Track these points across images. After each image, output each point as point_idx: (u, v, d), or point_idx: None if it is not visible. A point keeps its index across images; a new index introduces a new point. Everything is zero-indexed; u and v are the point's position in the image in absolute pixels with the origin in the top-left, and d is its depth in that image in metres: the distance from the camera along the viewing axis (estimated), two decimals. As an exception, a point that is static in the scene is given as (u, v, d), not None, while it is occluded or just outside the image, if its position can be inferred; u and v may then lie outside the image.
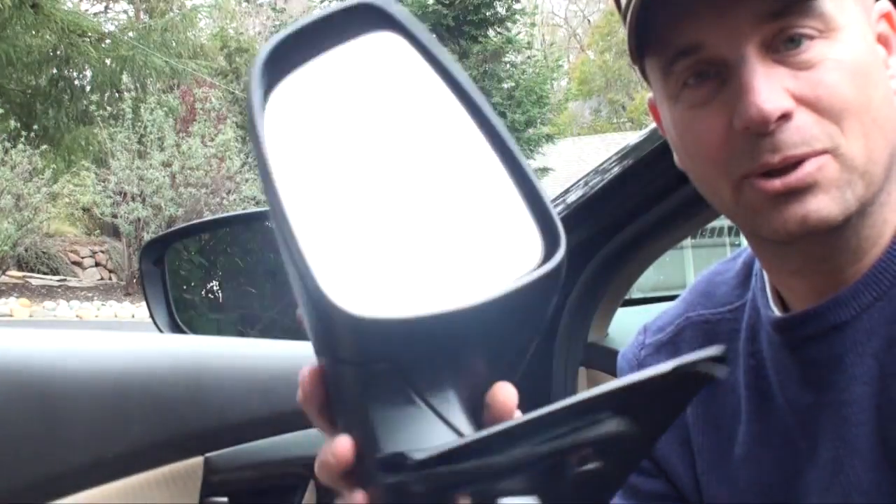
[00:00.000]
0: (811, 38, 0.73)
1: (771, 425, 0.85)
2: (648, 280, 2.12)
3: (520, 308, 0.47)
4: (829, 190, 0.73)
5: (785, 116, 0.72)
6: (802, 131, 0.72)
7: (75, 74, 17.25)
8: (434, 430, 0.48)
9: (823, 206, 0.72)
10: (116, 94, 17.21)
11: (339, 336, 0.48)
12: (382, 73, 0.52)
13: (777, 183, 0.73)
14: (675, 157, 0.84)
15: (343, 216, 0.49)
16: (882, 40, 0.79)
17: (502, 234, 0.49)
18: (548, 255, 0.48)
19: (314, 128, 0.51)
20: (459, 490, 0.44)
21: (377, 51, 0.52)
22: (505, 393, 0.49)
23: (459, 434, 0.48)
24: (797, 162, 0.72)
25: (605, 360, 1.44)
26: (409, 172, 0.51)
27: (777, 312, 0.84)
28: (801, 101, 0.72)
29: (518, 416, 0.46)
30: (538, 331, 0.49)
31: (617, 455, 0.45)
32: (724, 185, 0.77)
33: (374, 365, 0.48)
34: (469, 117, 0.52)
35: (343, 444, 0.49)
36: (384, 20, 0.52)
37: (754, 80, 0.72)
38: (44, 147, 15.22)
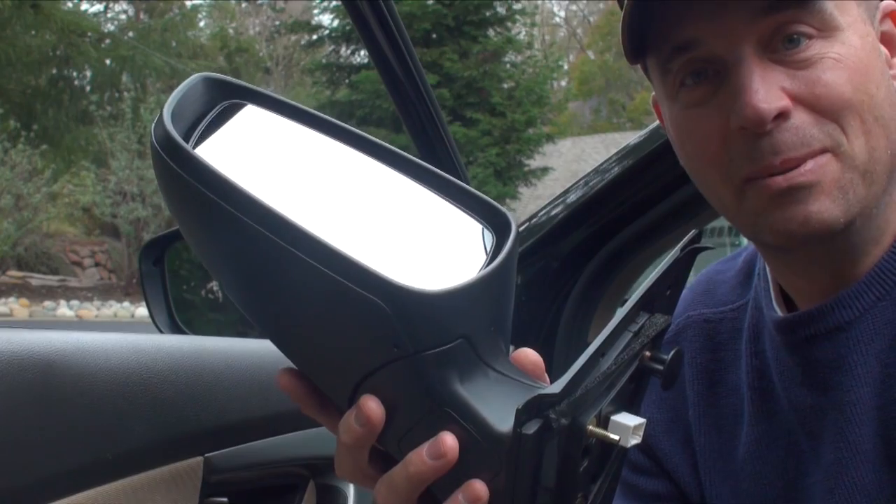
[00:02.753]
0: (810, 37, 0.72)
1: (774, 426, 0.85)
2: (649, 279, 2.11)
3: (508, 274, 0.54)
4: (830, 191, 0.72)
5: (782, 116, 0.71)
6: (801, 131, 0.72)
7: (75, 74, 17.25)
8: (517, 391, 0.52)
9: (825, 208, 0.72)
10: (116, 94, 17.20)
11: (423, 318, 0.50)
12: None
13: (779, 179, 0.72)
14: (678, 156, 0.84)
15: (342, 231, 0.52)
16: (886, 39, 0.79)
17: (455, 228, 0.58)
18: (500, 229, 0.56)
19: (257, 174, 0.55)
20: (587, 414, 0.48)
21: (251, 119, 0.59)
22: (532, 354, 0.57)
23: (532, 388, 0.52)
24: (798, 163, 0.72)
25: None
26: (364, 200, 0.58)
27: (780, 312, 0.84)
28: (799, 100, 0.72)
29: (595, 337, 0.50)
30: (511, 294, 0.57)
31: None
32: (725, 188, 0.77)
33: (456, 342, 0.51)
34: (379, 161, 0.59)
35: (450, 442, 0.50)
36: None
37: (750, 79, 0.71)
38: (44, 147, 15.22)
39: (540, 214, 1.51)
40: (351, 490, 1.15)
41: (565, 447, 0.47)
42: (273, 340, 0.57)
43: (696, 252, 0.57)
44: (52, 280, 15.61)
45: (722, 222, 3.24)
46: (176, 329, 1.35)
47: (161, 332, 1.33)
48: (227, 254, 0.53)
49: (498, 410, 0.51)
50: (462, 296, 0.51)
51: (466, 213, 0.58)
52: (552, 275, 1.47)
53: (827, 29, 0.72)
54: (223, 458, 0.96)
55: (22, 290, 14.63)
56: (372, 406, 0.52)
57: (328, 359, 0.54)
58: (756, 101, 0.70)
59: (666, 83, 0.78)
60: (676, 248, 0.56)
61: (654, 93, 0.85)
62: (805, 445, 0.82)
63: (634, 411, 0.52)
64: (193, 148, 0.54)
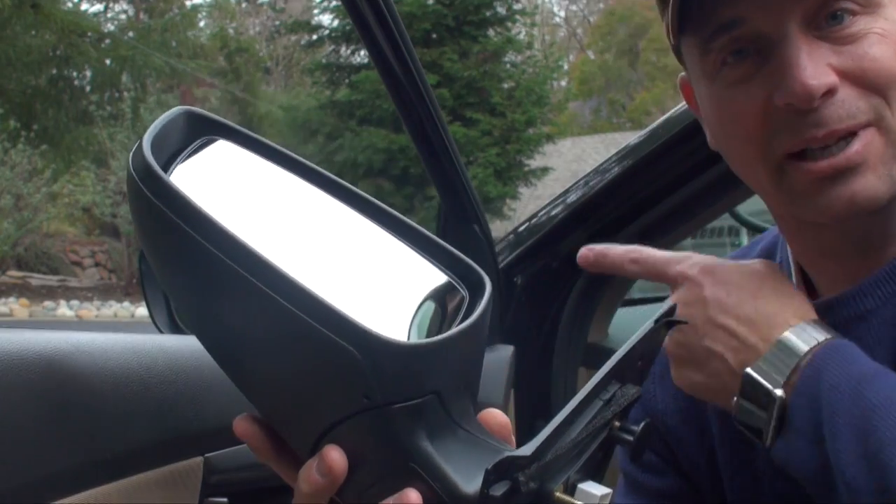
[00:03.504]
0: (853, 13, 0.72)
1: None
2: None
3: (480, 332, 0.54)
4: (876, 167, 0.72)
5: (829, 92, 0.71)
6: (847, 105, 0.72)
7: (75, 74, 17.25)
8: (484, 452, 0.51)
9: (871, 185, 0.72)
10: (116, 94, 17.20)
11: (396, 370, 0.49)
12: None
13: (823, 164, 0.72)
14: (709, 138, 0.84)
15: (314, 275, 0.51)
16: None
17: (427, 283, 0.57)
18: (474, 287, 0.56)
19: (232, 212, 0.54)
20: (555, 480, 0.47)
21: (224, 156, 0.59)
22: (500, 415, 0.56)
23: (499, 450, 0.51)
24: (842, 137, 0.72)
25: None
26: (335, 246, 0.58)
27: None
28: (846, 75, 0.72)
29: (567, 406, 0.50)
30: (482, 354, 0.57)
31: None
32: (762, 167, 0.76)
33: (426, 397, 0.50)
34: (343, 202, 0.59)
35: (413, 498, 0.49)
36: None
37: (799, 56, 0.71)
38: (44, 147, 15.22)
39: (540, 214, 1.51)
40: (351, 490, 1.14)
41: None
42: (236, 381, 0.56)
43: (671, 325, 0.57)
44: (52, 280, 15.61)
45: (722, 222, 3.24)
46: (176, 329, 1.35)
47: (161, 332, 1.33)
48: (197, 289, 0.52)
49: (465, 470, 0.50)
50: (437, 351, 0.50)
51: (440, 269, 0.58)
52: (552, 275, 1.47)
53: (870, 5, 0.73)
54: (223, 458, 0.96)
55: (22, 290, 14.63)
56: (335, 456, 0.51)
57: (295, 406, 0.53)
58: (805, 78, 0.70)
59: (705, 63, 0.77)
60: (650, 321, 0.55)
61: (683, 73, 0.85)
62: None
63: (599, 480, 0.51)
64: (170, 179, 0.54)
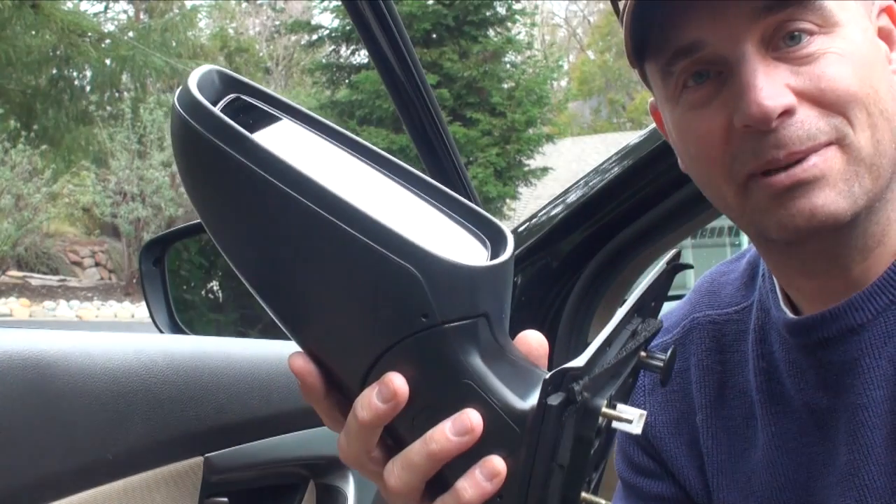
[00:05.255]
0: (811, 33, 0.72)
1: (786, 428, 0.84)
2: (648, 280, 2.11)
3: (511, 268, 0.56)
4: (835, 184, 0.72)
5: (787, 113, 0.71)
6: (806, 126, 0.71)
7: (75, 74, 17.24)
8: (530, 373, 0.53)
9: (831, 200, 0.72)
10: (116, 94, 17.20)
11: (453, 290, 0.51)
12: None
13: (782, 176, 0.72)
14: (679, 161, 0.84)
15: (377, 210, 0.52)
16: (883, 35, 0.79)
17: (454, 236, 0.59)
18: (496, 240, 0.58)
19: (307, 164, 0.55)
20: (600, 396, 0.50)
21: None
22: (537, 334, 0.57)
23: (542, 373, 0.53)
24: (802, 157, 0.72)
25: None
26: (375, 194, 0.58)
27: (788, 314, 0.84)
28: (804, 96, 0.72)
29: (606, 325, 0.53)
30: (511, 291, 0.58)
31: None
32: (728, 187, 0.76)
33: (479, 318, 0.52)
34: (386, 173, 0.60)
35: (475, 418, 0.50)
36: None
37: (755, 77, 0.71)
38: (44, 147, 15.22)
39: (540, 214, 1.51)
40: (351, 490, 1.15)
41: (580, 425, 0.49)
42: (284, 318, 0.55)
43: (680, 268, 0.63)
44: (52, 280, 15.61)
45: (722, 222, 3.24)
46: (176, 329, 1.35)
47: (161, 332, 1.33)
48: (253, 221, 0.52)
49: (516, 387, 0.52)
50: (487, 274, 0.52)
51: (462, 223, 0.59)
52: (552, 275, 1.47)
53: (828, 25, 0.72)
54: (223, 458, 0.96)
55: (22, 290, 14.63)
56: (398, 382, 0.51)
57: (349, 332, 0.53)
58: (761, 99, 0.70)
59: (667, 87, 0.78)
60: (662, 262, 0.60)
61: (651, 98, 0.85)
62: (818, 448, 0.82)
63: (631, 404, 0.54)
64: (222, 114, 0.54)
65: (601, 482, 0.57)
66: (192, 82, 0.54)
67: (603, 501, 0.50)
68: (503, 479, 0.51)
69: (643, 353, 0.57)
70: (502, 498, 0.51)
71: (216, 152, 0.51)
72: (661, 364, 0.57)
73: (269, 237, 0.52)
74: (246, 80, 0.61)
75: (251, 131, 0.54)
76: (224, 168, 0.52)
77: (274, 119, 0.60)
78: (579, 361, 0.46)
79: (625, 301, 0.56)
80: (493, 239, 0.58)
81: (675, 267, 0.62)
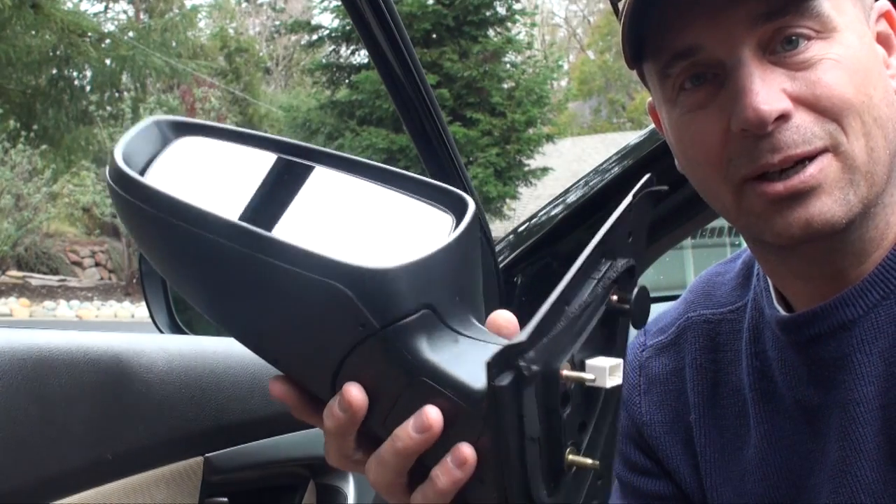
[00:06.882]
0: (808, 38, 0.72)
1: (779, 426, 0.85)
2: (648, 280, 2.12)
3: (466, 246, 0.57)
4: (831, 191, 0.72)
5: (783, 117, 0.71)
6: (802, 130, 0.72)
7: (75, 74, 17.24)
8: (487, 351, 0.51)
9: (827, 208, 0.72)
10: (116, 94, 17.20)
11: (383, 294, 0.52)
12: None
13: (779, 186, 0.72)
14: (676, 162, 0.84)
15: (294, 231, 0.56)
16: (882, 40, 0.79)
17: (415, 217, 0.60)
18: (458, 210, 0.59)
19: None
20: (559, 360, 0.48)
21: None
22: (505, 313, 0.58)
23: (493, 347, 0.53)
24: (797, 162, 0.72)
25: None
26: (313, 203, 0.60)
27: (781, 312, 0.84)
28: (800, 101, 0.72)
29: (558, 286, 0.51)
30: (475, 266, 0.60)
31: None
32: (724, 189, 0.77)
33: (420, 313, 0.53)
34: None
35: (433, 414, 0.52)
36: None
37: (751, 81, 0.71)
38: (44, 147, 15.22)
39: (540, 214, 1.51)
40: (351, 490, 1.15)
41: (543, 395, 0.47)
42: (251, 348, 0.59)
43: (651, 196, 0.57)
44: (52, 280, 15.61)
45: (722, 222, 3.24)
46: (176, 329, 1.35)
47: (161, 332, 1.33)
48: (189, 270, 0.56)
49: (471, 371, 0.52)
50: (417, 269, 0.53)
51: (424, 201, 0.61)
52: (552, 275, 1.47)
53: (825, 30, 0.73)
54: (223, 458, 0.96)
55: (22, 290, 14.63)
56: (353, 392, 0.54)
57: (303, 353, 0.56)
58: (757, 103, 0.71)
59: (665, 88, 0.78)
60: (631, 193, 0.56)
61: (650, 98, 0.85)
62: (810, 445, 0.82)
63: (614, 355, 0.52)
64: (143, 178, 0.59)
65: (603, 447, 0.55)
66: (118, 155, 0.60)
67: (590, 461, 0.50)
68: (472, 465, 0.52)
69: (613, 298, 0.53)
70: (483, 482, 0.52)
71: (142, 214, 0.56)
72: (626, 307, 0.53)
73: (205, 280, 0.56)
74: (183, 120, 0.65)
75: (191, 173, 0.59)
76: (144, 223, 0.57)
77: (225, 150, 0.63)
78: (522, 335, 0.45)
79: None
80: (456, 208, 0.59)
81: (648, 194, 0.56)
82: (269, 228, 0.56)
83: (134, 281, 14.86)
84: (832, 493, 0.79)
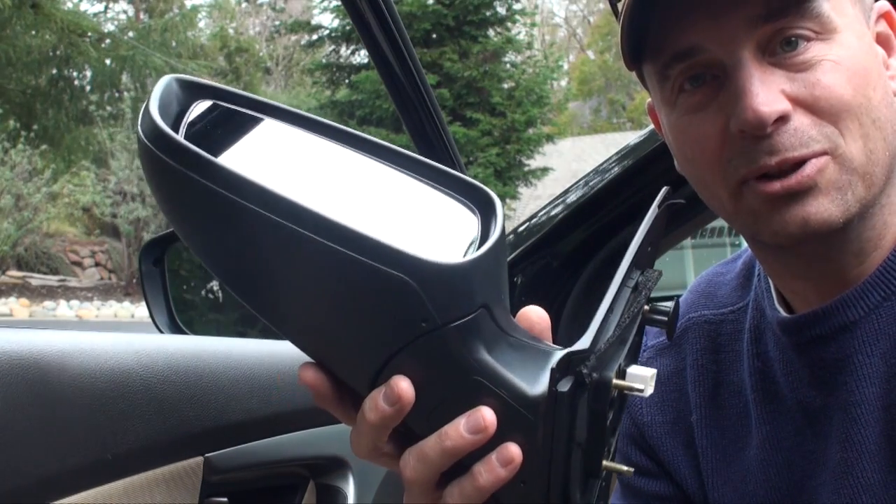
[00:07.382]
0: (808, 39, 0.72)
1: (780, 427, 0.85)
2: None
3: (504, 244, 0.56)
4: (828, 192, 0.72)
5: (782, 119, 0.71)
6: (800, 133, 0.72)
7: (75, 74, 17.24)
8: (537, 354, 0.53)
9: (823, 208, 0.72)
10: (116, 94, 17.20)
11: (449, 291, 0.51)
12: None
13: (776, 185, 0.72)
14: (675, 162, 0.84)
15: (346, 216, 0.51)
16: (881, 40, 0.79)
17: (439, 210, 0.58)
18: (483, 206, 0.57)
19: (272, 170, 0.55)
20: (609, 368, 0.50)
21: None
22: (537, 309, 0.58)
23: (548, 350, 0.53)
24: (795, 164, 0.72)
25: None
26: (348, 188, 0.58)
27: (782, 313, 0.84)
28: (799, 102, 0.72)
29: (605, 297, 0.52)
30: (506, 264, 0.60)
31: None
32: (722, 190, 0.77)
33: (478, 311, 0.52)
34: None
35: (489, 416, 0.51)
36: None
37: (750, 83, 0.71)
38: (44, 147, 15.22)
39: (540, 214, 1.51)
40: (351, 490, 1.15)
41: (594, 402, 0.49)
42: (288, 335, 0.56)
43: (672, 207, 0.60)
44: (52, 280, 15.61)
45: (722, 222, 3.23)
46: (176, 329, 1.35)
47: (161, 332, 1.33)
48: (236, 249, 0.52)
49: (525, 374, 0.52)
50: (479, 265, 0.52)
51: (448, 194, 0.59)
52: (552, 275, 1.47)
53: (825, 31, 0.72)
54: (223, 458, 0.96)
55: (22, 290, 14.63)
56: (403, 385, 0.52)
57: (351, 343, 0.53)
58: (757, 105, 0.71)
59: (664, 89, 0.78)
60: (654, 205, 0.59)
61: (649, 99, 0.85)
62: (812, 446, 0.82)
63: (638, 363, 0.54)
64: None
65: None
66: (154, 106, 0.53)
67: (624, 468, 0.51)
68: (517, 466, 0.51)
69: (646, 308, 0.56)
70: (525, 484, 0.52)
71: (186, 182, 0.50)
72: (665, 319, 0.56)
73: (256, 261, 0.52)
74: (206, 82, 0.59)
75: (225, 144, 0.54)
76: (197, 197, 0.51)
77: (251, 121, 0.60)
78: (584, 343, 0.47)
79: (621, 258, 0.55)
80: (482, 205, 0.58)
81: (669, 206, 0.61)
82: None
83: (134, 281, 14.86)
84: (833, 494, 0.79)
